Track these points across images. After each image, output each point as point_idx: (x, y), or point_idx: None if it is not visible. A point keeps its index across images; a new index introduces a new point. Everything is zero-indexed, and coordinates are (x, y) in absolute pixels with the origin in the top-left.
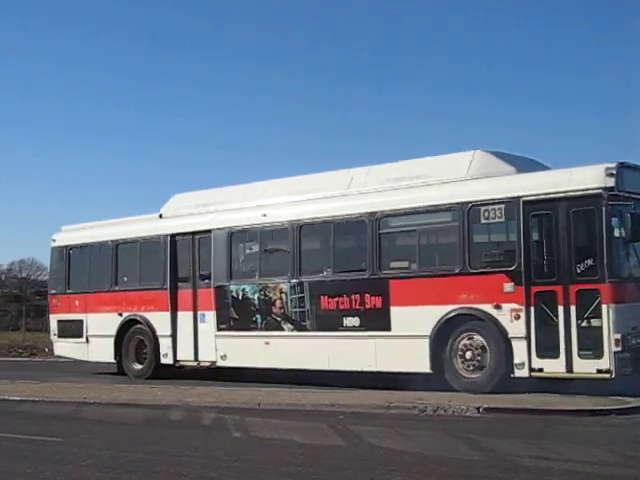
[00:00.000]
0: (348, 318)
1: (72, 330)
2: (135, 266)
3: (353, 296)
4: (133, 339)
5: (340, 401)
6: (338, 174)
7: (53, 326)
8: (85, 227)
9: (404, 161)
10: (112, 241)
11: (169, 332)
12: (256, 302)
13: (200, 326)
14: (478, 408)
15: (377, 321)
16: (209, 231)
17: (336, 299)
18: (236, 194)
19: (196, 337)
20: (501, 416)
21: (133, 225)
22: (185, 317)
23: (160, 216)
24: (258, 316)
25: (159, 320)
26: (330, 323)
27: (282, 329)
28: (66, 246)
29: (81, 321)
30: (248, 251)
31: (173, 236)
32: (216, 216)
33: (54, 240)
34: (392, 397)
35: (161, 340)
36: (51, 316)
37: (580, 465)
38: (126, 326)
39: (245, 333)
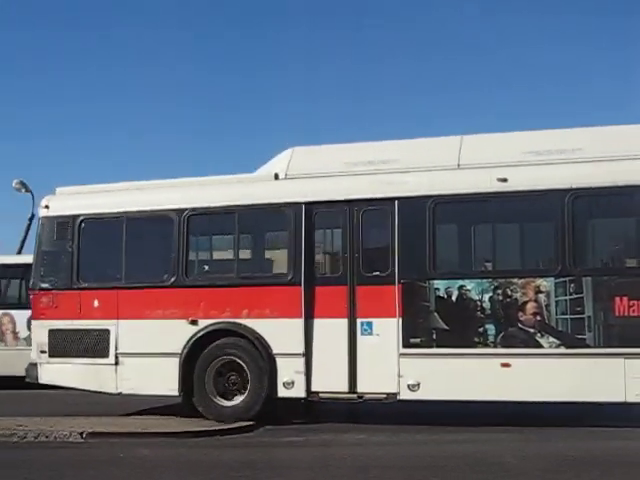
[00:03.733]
0: None
1: (84, 345)
2: (226, 248)
3: None
4: (216, 360)
5: None
6: None
7: (39, 339)
8: (109, 189)
9: None
10: (177, 210)
11: (300, 350)
12: (487, 306)
13: (363, 341)
14: (81, 433)
15: None
16: (388, 200)
17: None
18: (422, 149)
19: (353, 357)
20: (105, 441)
21: (220, 188)
22: (330, 327)
23: (276, 177)
24: (490, 326)
25: (279, 331)
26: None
27: (537, 345)
28: (73, 216)
29: (105, 332)
30: (472, 232)
31: (309, 205)
32: (403, 178)
33: (46, 207)
34: None
35: (281, 361)
36: (36, 323)
37: None
38: (204, 340)
39: (463, 351)
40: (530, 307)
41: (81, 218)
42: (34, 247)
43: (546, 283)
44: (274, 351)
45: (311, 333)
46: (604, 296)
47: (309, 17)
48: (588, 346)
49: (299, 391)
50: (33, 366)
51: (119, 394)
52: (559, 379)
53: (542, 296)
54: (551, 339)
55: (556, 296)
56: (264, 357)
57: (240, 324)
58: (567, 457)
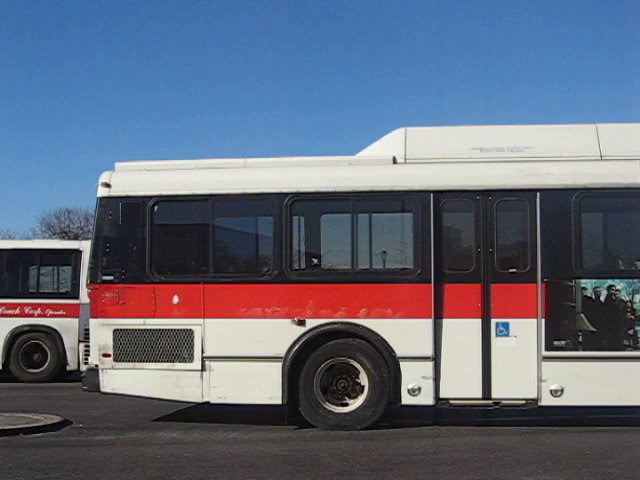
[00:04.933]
0: None
1: (161, 348)
2: (339, 240)
3: None
4: (324, 364)
5: None
6: None
7: (101, 340)
8: (186, 167)
9: None
10: (279, 194)
11: (428, 352)
12: (638, 307)
13: (497, 343)
14: None
15: None
16: (530, 191)
17: None
18: (558, 136)
19: (487, 361)
20: None
21: (329, 170)
22: (461, 328)
23: (394, 160)
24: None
25: (404, 332)
26: None
27: None
28: (145, 197)
29: (188, 332)
30: (627, 225)
31: (438, 193)
32: (548, 168)
33: (107, 185)
34: None
35: (405, 365)
36: (97, 322)
37: None
38: (312, 342)
39: (611, 354)
40: None
41: (155, 199)
42: (92, 232)
43: None
44: (398, 354)
45: (440, 335)
46: None
47: None
48: None
49: (427, 398)
50: (93, 372)
51: (206, 403)
52: None
53: None
54: None
55: None
56: (387, 361)
57: (358, 325)
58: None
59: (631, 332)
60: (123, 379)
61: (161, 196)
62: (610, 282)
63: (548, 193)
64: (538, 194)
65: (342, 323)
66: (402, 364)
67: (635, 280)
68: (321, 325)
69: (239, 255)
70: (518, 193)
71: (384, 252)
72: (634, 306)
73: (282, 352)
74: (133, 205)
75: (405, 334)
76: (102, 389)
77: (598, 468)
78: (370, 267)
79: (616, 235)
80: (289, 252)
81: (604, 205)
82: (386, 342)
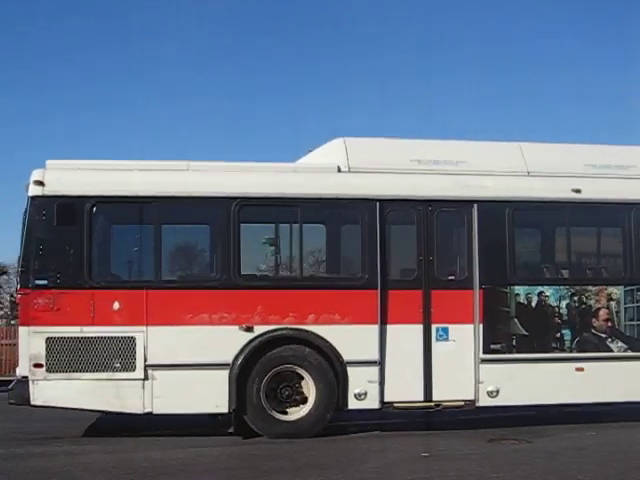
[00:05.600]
0: None
1: (99, 357)
2: (287, 246)
3: None
4: (272, 371)
5: None
6: None
7: (32, 349)
8: (125, 167)
9: None
10: (228, 199)
11: (375, 357)
12: (564, 312)
13: (437, 347)
14: None
15: None
16: (467, 202)
17: None
18: (487, 153)
19: (428, 365)
20: None
21: (276, 176)
22: (404, 333)
23: (338, 169)
24: (566, 332)
25: (352, 338)
26: None
27: (607, 349)
28: (83, 197)
29: (130, 339)
30: (556, 237)
31: (384, 202)
32: (482, 181)
33: (40, 184)
34: None
35: (352, 371)
36: (27, 330)
37: None
38: (259, 350)
39: (541, 356)
40: (602, 314)
41: (94, 200)
42: (22, 233)
43: (616, 291)
44: (345, 359)
45: (385, 340)
46: None
47: None
48: None
49: (373, 402)
50: (22, 384)
51: (148, 414)
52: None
53: (613, 303)
54: (619, 343)
55: (624, 304)
56: (335, 367)
57: (307, 331)
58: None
59: (558, 335)
60: (56, 390)
61: (101, 197)
62: (542, 289)
63: (484, 205)
64: (475, 205)
65: (286, 328)
66: (349, 369)
67: (560, 288)
68: (270, 331)
69: (184, 260)
70: (457, 204)
71: (331, 258)
72: (561, 311)
73: (229, 359)
74: (70, 205)
75: (353, 339)
76: (32, 402)
77: (352, 473)
78: (319, 274)
79: (545, 245)
80: (234, 258)
81: (534, 217)
82: (334, 348)
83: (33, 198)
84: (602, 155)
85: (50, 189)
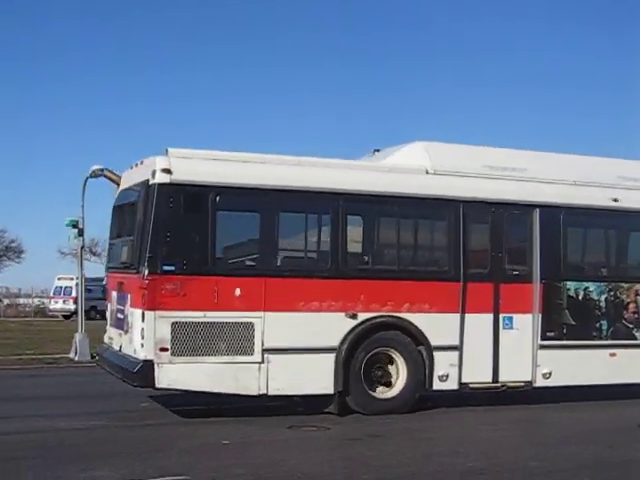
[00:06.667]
0: None
1: (221, 341)
2: (386, 240)
3: None
4: (370, 354)
5: None
6: None
7: (158, 334)
8: (244, 159)
9: None
10: (333, 194)
11: (456, 342)
12: (602, 305)
13: (504, 334)
14: None
15: None
16: (530, 206)
17: None
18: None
19: (496, 350)
20: None
21: (371, 174)
22: (478, 322)
23: (426, 172)
24: (604, 322)
25: (438, 325)
26: None
27: (634, 337)
28: (207, 186)
29: (249, 325)
30: (597, 239)
31: (466, 203)
32: (543, 188)
33: (167, 171)
34: None
35: (437, 355)
36: (154, 315)
37: None
38: (363, 335)
39: (584, 343)
40: (631, 307)
41: (218, 189)
42: (146, 219)
43: None
44: (433, 344)
45: (463, 327)
46: None
47: None
48: None
49: (452, 383)
50: (148, 367)
51: (263, 396)
52: None
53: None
54: None
55: None
56: (425, 350)
57: (402, 318)
58: None
59: (598, 325)
60: (180, 374)
61: (224, 187)
62: (587, 284)
63: (544, 209)
64: (537, 209)
65: (385, 316)
66: (435, 354)
67: (601, 284)
68: (369, 318)
69: (298, 250)
70: (522, 207)
71: (424, 253)
72: (600, 304)
73: (335, 343)
74: (196, 194)
75: (439, 326)
76: (157, 385)
77: (157, 461)
78: (419, 268)
79: (589, 246)
80: (342, 250)
81: (580, 222)
82: (424, 334)
83: (161, 185)
84: (629, 168)
85: (178, 177)
